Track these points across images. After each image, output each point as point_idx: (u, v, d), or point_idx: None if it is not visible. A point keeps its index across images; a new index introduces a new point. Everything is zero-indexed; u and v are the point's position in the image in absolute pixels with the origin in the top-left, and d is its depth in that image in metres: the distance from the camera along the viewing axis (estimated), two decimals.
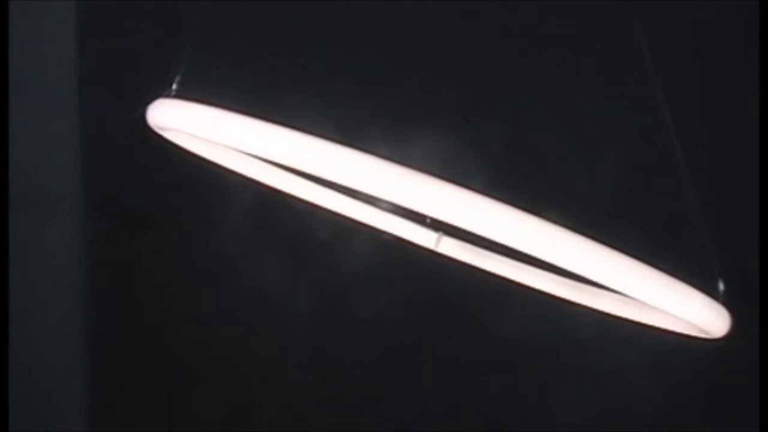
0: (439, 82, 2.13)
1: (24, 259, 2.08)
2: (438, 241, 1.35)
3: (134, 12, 2.24)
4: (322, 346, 2.30)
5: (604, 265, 0.86)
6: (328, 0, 2.19)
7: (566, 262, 0.85)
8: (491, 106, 2.22)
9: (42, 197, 2.24)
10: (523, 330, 2.02)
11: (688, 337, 1.09)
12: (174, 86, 1.26)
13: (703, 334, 1.02)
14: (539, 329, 2.00)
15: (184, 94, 1.16)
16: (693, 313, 0.91)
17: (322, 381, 2.29)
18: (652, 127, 1.33)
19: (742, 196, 2.12)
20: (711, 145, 2.13)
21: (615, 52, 1.37)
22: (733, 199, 2.14)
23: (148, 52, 2.28)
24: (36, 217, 2.19)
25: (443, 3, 2.06)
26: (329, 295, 2.23)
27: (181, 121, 1.01)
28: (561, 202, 2.08)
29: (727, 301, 1.02)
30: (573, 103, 2.16)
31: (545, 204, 2.12)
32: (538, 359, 2.19)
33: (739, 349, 1.96)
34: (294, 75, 2.23)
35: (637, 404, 2.13)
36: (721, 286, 1.11)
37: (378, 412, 2.29)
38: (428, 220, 1.33)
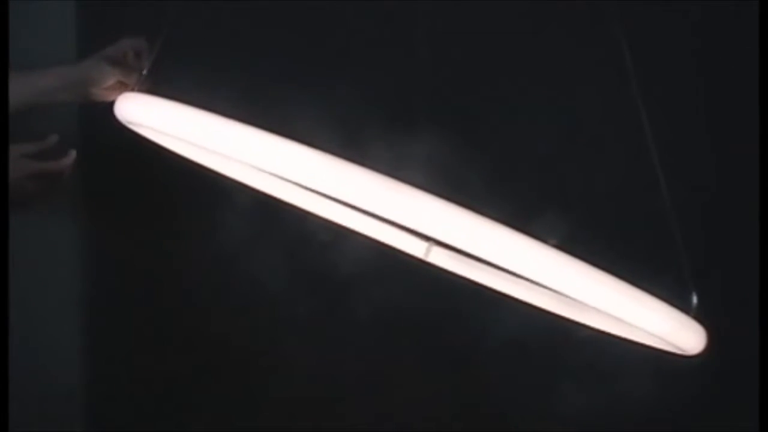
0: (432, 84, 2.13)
1: (23, 257, 2.09)
2: (428, 251, 1.35)
3: (134, 12, 2.24)
4: (321, 345, 2.30)
5: (565, 273, 0.86)
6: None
7: (530, 270, 0.85)
8: (485, 109, 2.22)
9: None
10: (523, 330, 2.02)
11: (671, 354, 1.09)
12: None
13: (680, 351, 1.02)
14: (539, 329, 2.00)
15: (152, 87, 1.15)
16: (657, 328, 0.91)
17: (321, 382, 2.30)
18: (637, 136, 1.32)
19: (735, 206, 2.12)
20: (700, 153, 2.13)
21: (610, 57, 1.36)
22: (725, 208, 2.14)
23: (149, 51, 2.28)
24: (35, 215, 2.20)
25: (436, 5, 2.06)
26: (328, 293, 2.23)
27: (141, 117, 0.99)
28: (548, 207, 2.09)
29: (701, 314, 1.02)
30: (569, 108, 2.16)
31: (534, 207, 2.13)
32: (537, 359, 2.19)
33: (740, 349, 1.97)
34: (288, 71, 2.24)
35: (637, 404, 2.13)
36: (695, 299, 1.11)
37: (377, 412, 2.29)
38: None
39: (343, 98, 2.25)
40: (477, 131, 2.23)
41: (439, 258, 1.35)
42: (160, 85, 1.27)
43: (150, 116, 0.98)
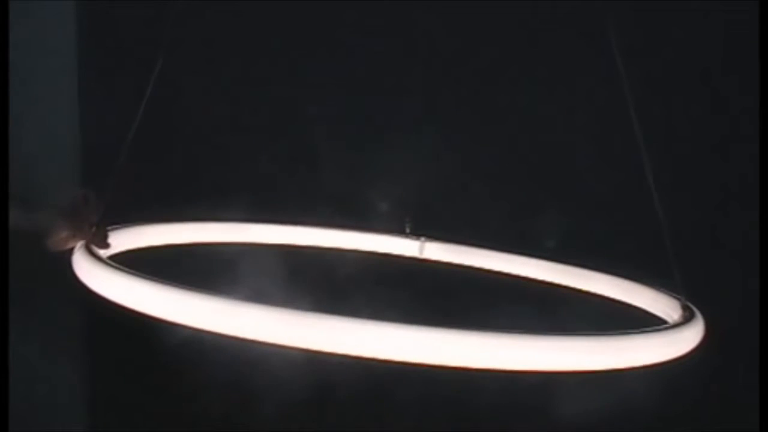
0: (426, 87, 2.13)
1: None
2: (422, 248, 1.38)
3: (134, 12, 2.25)
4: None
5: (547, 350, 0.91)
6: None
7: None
8: (482, 112, 2.22)
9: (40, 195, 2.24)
10: (522, 328, 2.01)
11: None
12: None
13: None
14: (537, 329, 1.99)
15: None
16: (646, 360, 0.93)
17: (321, 387, 2.29)
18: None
19: (735, 207, 2.12)
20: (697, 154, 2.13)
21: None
22: (726, 209, 2.14)
23: (148, 51, 2.28)
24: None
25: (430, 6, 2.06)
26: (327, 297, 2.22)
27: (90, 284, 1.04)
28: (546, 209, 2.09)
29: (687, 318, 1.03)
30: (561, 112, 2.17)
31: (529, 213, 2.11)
32: None
33: (740, 351, 1.97)
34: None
35: (637, 404, 2.12)
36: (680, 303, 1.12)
37: (377, 413, 2.28)
38: (408, 230, 1.37)
39: (341, 97, 2.26)
40: (476, 132, 2.24)
41: (434, 252, 1.38)
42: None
43: (94, 284, 1.04)
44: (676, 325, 1.04)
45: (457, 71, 2.20)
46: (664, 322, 1.17)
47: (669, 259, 1.19)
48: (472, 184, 2.24)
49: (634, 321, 1.26)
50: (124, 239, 1.28)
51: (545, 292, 1.38)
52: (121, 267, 1.03)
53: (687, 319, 1.11)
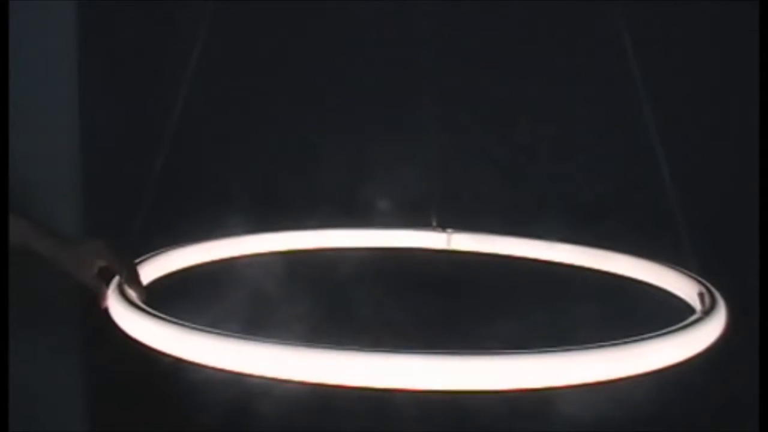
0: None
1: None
2: (449, 240, 1.40)
3: (134, 12, 2.25)
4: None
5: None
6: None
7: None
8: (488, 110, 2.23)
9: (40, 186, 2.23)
10: (522, 328, 2.02)
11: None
12: None
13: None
14: (537, 329, 2.00)
15: None
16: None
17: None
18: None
19: (736, 207, 2.14)
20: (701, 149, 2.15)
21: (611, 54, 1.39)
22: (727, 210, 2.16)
23: (148, 51, 2.29)
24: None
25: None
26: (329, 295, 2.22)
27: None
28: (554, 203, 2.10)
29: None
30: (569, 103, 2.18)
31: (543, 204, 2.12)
32: None
33: (740, 352, 1.98)
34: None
35: (637, 405, 2.13)
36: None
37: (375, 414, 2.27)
38: (434, 223, 1.39)
39: (343, 98, 2.27)
40: (482, 127, 2.25)
41: (462, 243, 1.39)
42: None
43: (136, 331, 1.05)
44: (697, 320, 1.04)
45: (464, 64, 2.21)
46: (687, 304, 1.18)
47: (685, 252, 1.20)
48: (479, 178, 2.25)
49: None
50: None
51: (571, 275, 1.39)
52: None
53: (707, 311, 1.10)
